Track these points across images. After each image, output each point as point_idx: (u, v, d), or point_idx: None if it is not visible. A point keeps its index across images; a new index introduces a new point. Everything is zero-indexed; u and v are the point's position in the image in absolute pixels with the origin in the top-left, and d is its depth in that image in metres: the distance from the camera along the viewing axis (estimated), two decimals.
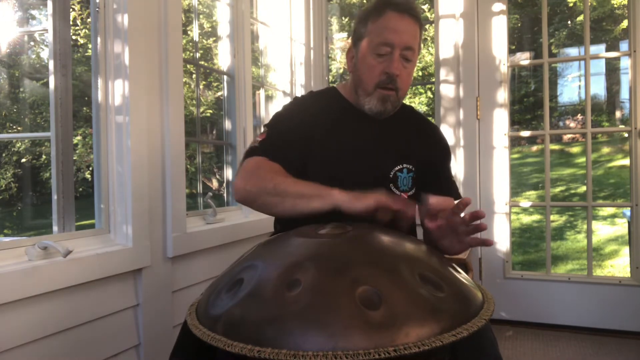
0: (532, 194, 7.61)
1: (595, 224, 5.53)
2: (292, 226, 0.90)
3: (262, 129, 1.17)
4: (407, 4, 1.10)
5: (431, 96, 9.74)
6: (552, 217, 5.50)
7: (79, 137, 8.36)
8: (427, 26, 10.05)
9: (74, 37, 8.11)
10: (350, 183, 1.10)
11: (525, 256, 5.10)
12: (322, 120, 1.16)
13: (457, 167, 2.49)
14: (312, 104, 1.22)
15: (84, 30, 8.45)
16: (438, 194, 1.11)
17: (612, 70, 12.49)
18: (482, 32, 2.46)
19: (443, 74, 2.51)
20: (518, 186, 7.92)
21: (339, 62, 9.20)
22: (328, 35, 2.93)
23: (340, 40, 8.80)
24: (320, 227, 0.84)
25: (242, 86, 2.06)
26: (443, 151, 1.28)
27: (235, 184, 1.05)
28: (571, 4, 12.15)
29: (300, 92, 2.54)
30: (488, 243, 0.83)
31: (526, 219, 6.32)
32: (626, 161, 7.27)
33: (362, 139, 1.17)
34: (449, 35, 2.50)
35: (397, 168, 1.16)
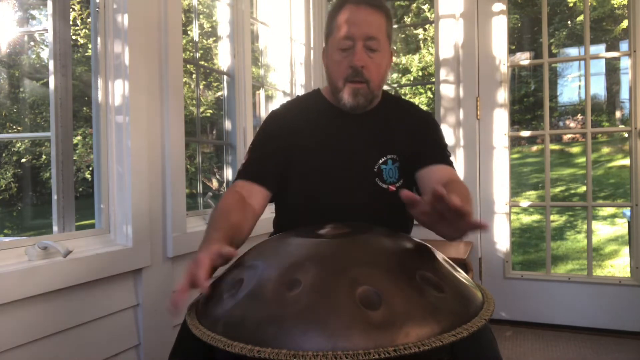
0: (532, 194, 7.61)
1: (595, 224, 5.53)
2: (292, 227, 0.90)
3: (249, 149, 1.22)
4: None
5: (431, 96, 9.75)
6: (552, 217, 5.51)
7: (79, 137, 8.37)
8: (427, 26, 10.07)
9: (74, 37, 8.11)
10: (335, 183, 1.12)
11: (525, 256, 5.10)
12: (304, 124, 1.19)
13: (457, 167, 2.49)
14: (294, 108, 1.25)
15: (84, 30, 8.46)
16: (429, 160, 1.13)
17: (612, 70, 12.50)
18: (482, 32, 2.46)
19: (443, 74, 2.51)
20: (518, 186, 7.92)
21: None
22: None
23: None
24: (320, 227, 0.85)
25: (242, 86, 2.06)
26: (426, 126, 1.22)
27: None
28: (571, 4, 12.16)
29: (300, 92, 2.54)
30: (483, 226, 0.74)
31: (526, 219, 6.32)
32: (626, 161, 7.27)
33: (343, 138, 1.17)
34: (449, 35, 2.50)
35: (381, 161, 1.15)
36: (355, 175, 1.14)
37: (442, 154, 1.17)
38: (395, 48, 10.43)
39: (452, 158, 1.19)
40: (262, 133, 1.23)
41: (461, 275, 0.77)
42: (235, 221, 1.00)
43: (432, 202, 0.71)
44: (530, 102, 12.27)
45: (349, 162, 1.15)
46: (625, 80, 11.66)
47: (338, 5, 1.14)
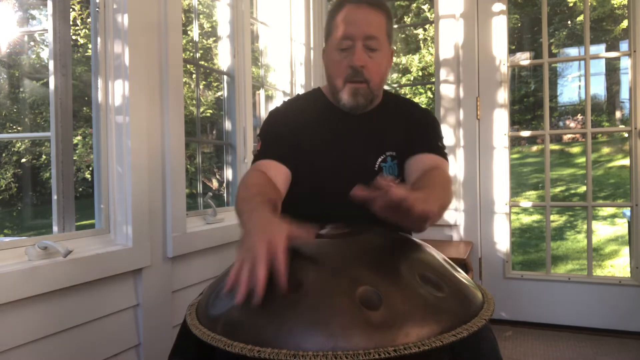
0: (532, 194, 7.61)
1: (595, 224, 5.53)
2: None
3: (257, 139, 1.19)
4: None
5: (431, 96, 9.75)
6: (552, 217, 5.50)
7: (79, 137, 8.36)
8: (427, 26, 10.07)
9: (74, 37, 8.11)
10: (336, 181, 1.11)
11: (525, 256, 5.10)
12: (306, 122, 1.18)
13: (457, 167, 2.49)
14: (296, 107, 1.23)
15: (84, 30, 8.46)
16: (417, 149, 1.12)
17: (612, 70, 12.50)
18: (482, 32, 2.46)
19: (443, 74, 2.51)
20: (518, 186, 7.92)
21: None
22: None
23: None
24: (320, 227, 0.84)
25: (242, 86, 2.06)
26: (425, 122, 1.21)
27: None
28: (571, 4, 12.16)
29: (300, 92, 2.54)
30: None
31: (526, 219, 6.33)
32: (626, 161, 7.27)
33: (344, 137, 1.17)
34: (449, 35, 2.50)
35: (380, 159, 1.15)
36: (356, 174, 1.13)
37: (430, 144, 1.15)
38: (395, 48, 10.45)
39: (446, 151, 1.18)
40: (272, 123, 1.20)
41: (461, 275, 0.77)
42: (273, 198, 0.93)
43: (379, 196, 0.70)
44: (530, 102, 12.27)
45: (350, 162, 1.15)
46: (625, 80, 11.66)
47: (337, 4, 1.13)
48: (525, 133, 6.02)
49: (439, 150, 1.15)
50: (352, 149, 1.16)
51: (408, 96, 10.12)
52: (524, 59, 11.27)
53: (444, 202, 0.90)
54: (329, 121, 1.18)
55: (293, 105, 1.24)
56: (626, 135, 2.33)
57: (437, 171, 1.06)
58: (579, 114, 12.48)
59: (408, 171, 1.13)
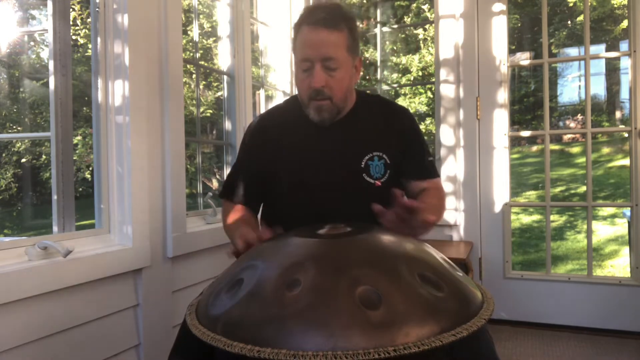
0: (532, 194, 7.61)
1: (595, 224, 5.53)
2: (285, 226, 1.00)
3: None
4: (320, 16, 1.11)
5: (431, 96, 9.74)
6: (552, 217, 5.50)
7: (79, 137, 8.36)
8: (427, 26, 10.06)
9: (74, 37, 8.11)
10: (322, 181, 1.16)
11: (525, 256, 5.10)
12: (283, 132, 1.23)
13: (457, 167, 2.49)
14: (271, 121, 1.29)
15: (84, 30, 8.45)
16: (412, 177, 1.22)
17: (612, 70, 12.49)
18: (482, 32, 2.46)
19: (443, 74, 2.51)
20: (518, 186, 7.92)
21: None
22: None
23: None
24: (320, 227, 0.85)
25: (242, 86, 2.06)
26: (410, 131, 1.27)
27: None
28: (571, 4, 12.16)
29: None
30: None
31: (526, 219, 6.32)
32: (626, 161, 7.27)
33: (326, 140, 1.20)
34: (449, 35, 2.50)
35: (367, 157, 1.19)
36: (342, 172, 1.18)
37: (421, 168, 1.24)
38: (396, 48, 10.43)
39: (431, 159, 1.28)
40: (244, 147, 1.29)
41: (460, 275, 0.77)
42: (253, 224, 1.12)
43: (396, 212, 0.89)
44: (530, 102, 12.26)
45: (335, 162, 1.19)
46: (625, 80, 11.66)
47: (297, 24, 1.15)
48: (525, 133, 6.02)
49: (429, 170, 1.25)
50: (336, 149, 1.20)
51: (408, 96, 10.11)
52: (524, 59, 11.27)
53: (441, 214, 1.16)
54: (309, 127, 1.21)
55: (270, 119, 1.30)
56: (626, 135, 2.33)
57: (432, 191, 1.20)
58: (579, 114, 12.47)
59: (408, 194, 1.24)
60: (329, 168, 1.18)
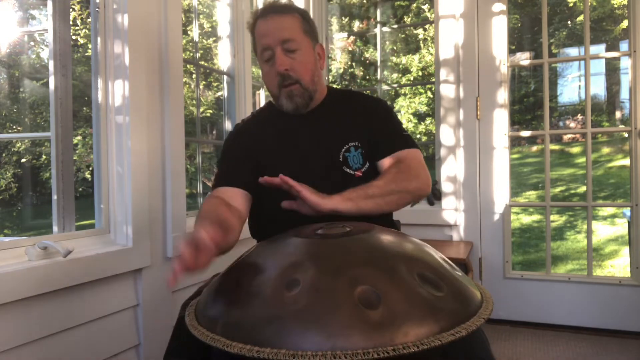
0: (532, 194, 7.61)
1: (595, 224, 5.53)
2: (269, 232, 0.97)
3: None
4: (270, 7, 1.17)
5: (431, 96, 9.74)
6: (552, 217, 5.50)
7: (79, 137, 8.36)
8: (427, 26, 10.07)
9: (74, 37, 8.11)
10: (304, 176, 1.13)
11: (525, 256, 5.10)
12: (261, 136, 1.23)
13: (457, 167, 2.49)
14: (248, 125, 1.29)
15: (84, 30, 8.45)
16: (380, 156, 1.17)
17: (612, 70, 12.49)
18: (482, 32, 2.46)
19: (443, 74, 2.51)
20: (518, 186, 7.91)
21: (339, 62, 9.21)
22: (328, 35, 2.93)
23: (341, 40, 8.81)
24: (319, 227, 0.85)
25: (242, 86, 2.06)
26: (381, 112, 1.25)
27: None
28: (571, 4, 12.16)
29: None
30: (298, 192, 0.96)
31: (526, 219, 6.32)
32: (626, 161, 7.27)
33: (302, 136, 1.21)
34: (449, 36, 2.50)
35: (343, 149, 1.18)
36: (322, 166, 1.18)
37: (392, 143, 1.19)
38: (396, 48, 10.42)
39: (406, 133, 1.23)
40: (226, 150, 1.28)
41: (460, 275, 0.77)
42: (223, 217, 0.99)
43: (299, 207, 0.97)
44: (530, 102, 12.26)
45: (314, 156, 1.18)
46: (625, 80, 11.64)
47: (252, 24, 1.20)
48: (525, 133, 6.02)
49: (400, 144, 1.18)
50: (313, 143, 1.20)
51: (408, 96, 10.11)
52: (524, 59, 11.27)
53: (390, 188, 1.07)
54: (285, 125, 1.23)
55: (247, 123, 1.30)
56: (626, 135, 2.33)
57: (389, 170, 1.13)
58: (579, 114, 12.47)
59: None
60: (308, 164, 1.17)
